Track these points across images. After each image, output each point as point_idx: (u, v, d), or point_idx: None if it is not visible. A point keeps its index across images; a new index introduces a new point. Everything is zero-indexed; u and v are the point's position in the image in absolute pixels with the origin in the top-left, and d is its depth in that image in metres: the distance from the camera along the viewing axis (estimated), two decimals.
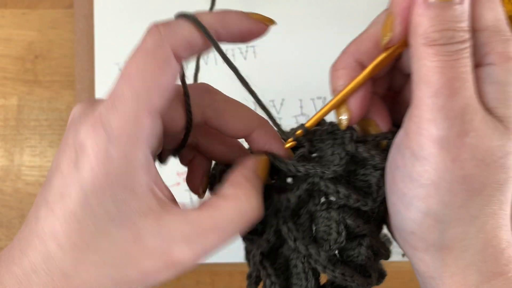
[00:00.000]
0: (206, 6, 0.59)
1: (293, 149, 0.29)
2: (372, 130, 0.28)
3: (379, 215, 0.28)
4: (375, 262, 0.28)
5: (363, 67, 0.26)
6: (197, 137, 0.30)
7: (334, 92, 0.27)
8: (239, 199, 0.25)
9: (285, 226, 0.27)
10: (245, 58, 0.58)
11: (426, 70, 0.22)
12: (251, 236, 0.29)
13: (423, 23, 0.22)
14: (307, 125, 0.28)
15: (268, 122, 0.29)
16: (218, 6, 0.59)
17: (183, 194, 0.59)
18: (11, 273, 0.23)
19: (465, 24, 0.22)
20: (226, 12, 0.26)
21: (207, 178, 0.31)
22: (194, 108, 0.27)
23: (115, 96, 0.23)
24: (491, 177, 0.23)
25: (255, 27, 0.27)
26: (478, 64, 0.23)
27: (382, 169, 0.27)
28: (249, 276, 0.30)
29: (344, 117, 0.27)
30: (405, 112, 0.25)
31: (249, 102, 0.28)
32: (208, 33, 0.24)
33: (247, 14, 0.27)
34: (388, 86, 0.30)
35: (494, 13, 0.23)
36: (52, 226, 0.22)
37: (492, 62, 0.23)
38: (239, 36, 0.26)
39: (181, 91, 0.27)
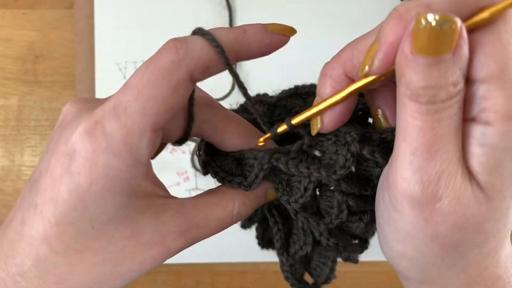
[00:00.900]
0: (207, 5, 0.59)
1: (288, 139, 0.29)
2: (380, 120, 0.27)
3: None
4: (370, 233, 0.30)
5: (350, 81, 0.24)
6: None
7: (317, 96, 0.26)
8: (232, 203, 0.27)
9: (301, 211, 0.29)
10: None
11: (406, 125, 0.21)
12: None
13: (407, 74, 0.20)
14: (294, 122, 0.27)
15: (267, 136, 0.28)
16: (216, 4, 0.59)
17: (183, 194, 0.59)
18: None
19: (455, 78, 0.20)
20: (245, 29, 0.25)
21: (162, 145, 0.30)
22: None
23: (119, 105, 0.22)
24: (466, 239, 0.22)
25: (275, 40, 0.26)
26: (471, 119, 0.21)
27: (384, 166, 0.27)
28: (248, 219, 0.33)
29: (316, 126, 0.26)
30: None
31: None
32: (226, 58, 0.24)
33: (266, 28, 0.25)
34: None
35: (499, 63, 0.20)
36: (42, 229, 0.22)
37: (488, 122, 0.20)
38: (258, 53, 0.26)
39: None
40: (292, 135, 0.29)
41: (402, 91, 0.20)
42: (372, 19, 0.60)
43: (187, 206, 0.26)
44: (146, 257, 0.24)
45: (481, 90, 0.20)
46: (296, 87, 0.32)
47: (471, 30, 0.20)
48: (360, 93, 0.26)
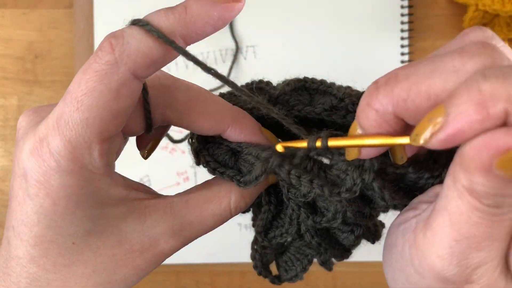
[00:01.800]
0: None
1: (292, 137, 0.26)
2: (398, 154, 0.25)
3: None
4: (356, 245, 0.29)
5: (400, 123, 0.20)
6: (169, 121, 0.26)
7: (359, 127, 0.21)
8: (227, 198, 0.26)
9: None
10: (245, 58, 0.58)
11: (458, 214, 0.18)
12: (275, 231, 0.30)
13: (477, 177, 0.17)
14: (330, 144, 0.22)
15: (245, 114, 0.26)
16: None
17: None
18: None
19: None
20: (186, 6, 0.21)
21: (155, 143, 0.28)
22: (153, 111, 0.24)
23: (60, 118, 0.21)
24: None
25: (226, 10, 0.22)
26: None
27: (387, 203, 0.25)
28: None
29: (352, 155, 0.23)
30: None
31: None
32: (171, 42, 0.20)
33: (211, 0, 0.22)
34: None
35: None
36: (26, 251, 0.22)
37: None
38: (209, 29, 0.22)
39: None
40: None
41: (462, 181, 0.18)
42: (373, 16, 0.60)
43: (176, 204, 0.25)
44: (140, 262, 0.24)
45: None
46: (305, 80, 0.28)
47: None
48: None
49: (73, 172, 0.21)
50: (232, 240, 0.58)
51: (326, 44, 0.58)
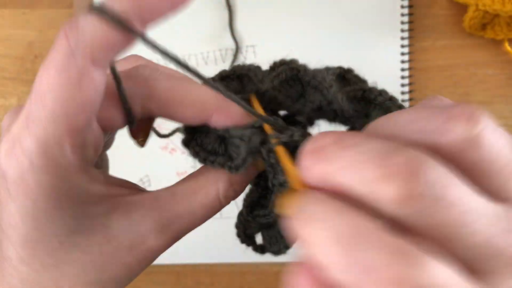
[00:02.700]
0: (207, 5, 0.59)
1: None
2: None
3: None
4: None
5: None
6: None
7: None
8: (215, 187, 0.25)
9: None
10: (245, 58, 0.58)
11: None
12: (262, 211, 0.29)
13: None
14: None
15: (229, 101, 0.24)
16: (216, 3, 0.59)
17: None
18: None
19: None
20: None
21: (145, 132, 0.27)
22: (132, 103, 0.23)
23: (28, 116, 0.20)
24: None
25: None
26: None
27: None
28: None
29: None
30: None
31: None
32: (125, 26, 0.19)
33: None
34: None
35: None
36: (15, 252, 0.22)
37: None
38: (169, 8, 0.20)
39: (112, 87, 0.23)
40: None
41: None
42: (373, 16, 0.60)
43: (163, 198, 0.24)
44: (130, 259, 0.23)
45: None
46: (298, 69, 0.27)
47: None
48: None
49: (47, 170, 0.20)
50: (232, 240, 0.57)
51: (326, 43, 0.58)
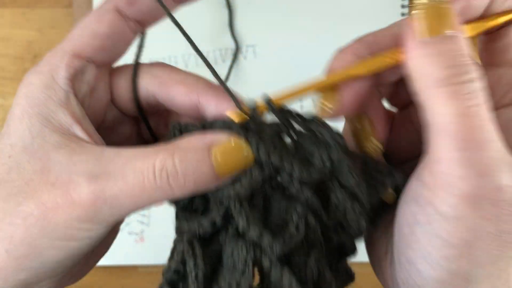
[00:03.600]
0: (207, 5, 0.59)
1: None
2: (365, 130, 0.24)
3: (336, 239, 0.24)
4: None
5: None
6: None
7: (330, 72, 0.24)
8: (155, 154, 0.22)
9: (237, 203, 0.22)
10: (245, 58, 0.58)
11: (442, 119, 0.19)
12: (188, 213, 0.24)
13: (426, 64, 0.19)
14: (277, 100, 0.23)
15: (219, 87, 0.26)
16: (216, 3, 0.59)
17: None
18: None
19: (469, 59, 0.19)
20: None
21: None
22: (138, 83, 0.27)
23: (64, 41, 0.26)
24: None
25: None
26: (503, 105, 0.21)
27: (350, 192, 0.23)
28: (167, 269, 0.24)
29: (329, 105, 0.23)
30: (407, 136, 0.24)
31: None
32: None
33: None
34: (390, 97, 0.28)
35: None
36: None
37: None
38: None
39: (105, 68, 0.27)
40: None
41: (426, 85, 0.20)
42: (373, 16, 0.60)
43: (108, 152, 0.23)
44: (47, 198, 0.22)
45: (507, 74, 0.20)
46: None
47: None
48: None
49: (41, 72, 0.24)
50: None
51: (326, 43, 0.58)
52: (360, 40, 0.25)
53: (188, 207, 0.24)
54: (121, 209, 0.22)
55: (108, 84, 0.27)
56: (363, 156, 0.24)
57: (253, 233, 0.22)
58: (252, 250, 0.22)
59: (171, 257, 0.24)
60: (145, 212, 0.57)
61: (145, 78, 0.27)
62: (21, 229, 0.22)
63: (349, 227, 0.24)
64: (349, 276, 0.25)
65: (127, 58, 0.28)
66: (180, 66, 0.59)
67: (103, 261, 0.29)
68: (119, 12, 0.25)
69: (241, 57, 0.59)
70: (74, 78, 0.24)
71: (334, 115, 0.24)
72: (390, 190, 0.24)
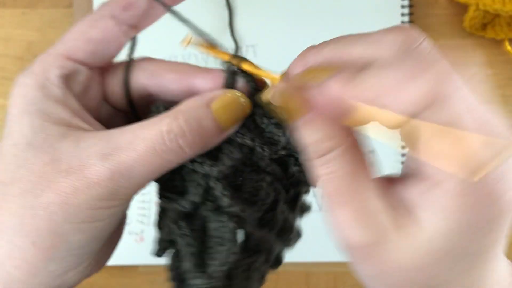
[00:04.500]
0: (206, 4, 0.59)
1: None
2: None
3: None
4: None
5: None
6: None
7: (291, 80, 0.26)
8: (159, 121, 0.24)
9: (219, 183, 0.25)
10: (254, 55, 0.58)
11: (324, 188, 0.22)
12: (169, 194, 0.27)
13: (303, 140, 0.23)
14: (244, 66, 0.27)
15: (209, 68, 0.28)
16: (215, 3, 0.59)
17: None
18: None
19: (320, 135, 0.22)
20: None
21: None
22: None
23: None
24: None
25: None
26: (407, 177, 0.22)
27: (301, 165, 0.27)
28: (159, 242, 0.28)
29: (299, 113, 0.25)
30: None
31: None
32: None
33: None
34: None
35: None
36: None
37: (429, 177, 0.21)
38: None
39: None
40: None
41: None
42: (373, 16, 0.60)
43: (113, 132, 0.24)
44: (64, 185, 0.22)
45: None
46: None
47: None
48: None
49: (34, 73, 0.25)
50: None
51: None
52: (319, 50, 0.27)
53: (170, 187, 0.27)
54: (138, 179, 0.23)
55: (100, 83, 0.28)
56: None
57: (236, 208, 0.25)
58: (235, 222, 0.25)
59: (159, 229, 0.28)
60: (145, 212, 0.57)
61: (136, 72, 0.27)
62: (45, 219, 0.22)
63: (302, 182, 0.29)
64: (305, 208, 0.31)
65: (121, 58, 0.28)
66: None
67: None
68: (113, 17, 0.26)
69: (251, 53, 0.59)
70: (67, 78, 0.25)
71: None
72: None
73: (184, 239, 0.25)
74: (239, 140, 0.26)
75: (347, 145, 0.22)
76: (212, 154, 0.25)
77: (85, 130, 0.24)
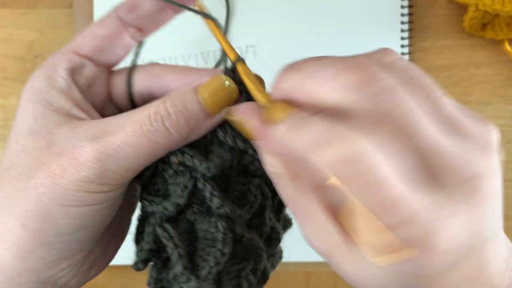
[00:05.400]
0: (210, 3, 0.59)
1: None
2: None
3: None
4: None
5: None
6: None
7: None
8: (148, 106, 0.24)
9: (208, 184, 0.25)
10: (245, 58, 0.58)
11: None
12: (151, 197, 0.26)
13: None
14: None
15: (210, 69, 0.29)
16: (215, 3, 0.59)
17: None
18: None
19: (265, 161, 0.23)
20: None
21: None
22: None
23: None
24: None
25: None
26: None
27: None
28: (140, 252, 0.27)
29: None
30: None
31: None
32: None
33: None
34: None
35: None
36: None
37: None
38: None
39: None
40: None
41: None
42: (373, 16, 0.60)
43: (106, 118, 0.25)
44: (55, 166, 0.23)
45: None
46: None
47: None
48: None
49: (44, 66, 0.26)
50: None
51: (326, 44, 0.58)
52: (286, 79, 0.26)
53: (152, 191, 0.27)
54: (126, 161, 0.23)
55: (106, 82, 0.29)
56: None
57: (226, 209, 0.25)
58: (226, 222, 0.25)
59: (140, 239, 0.27)
60: None
61: (139, 74, 0.28)
62: (34, 200, 0.23)
63: None
64: (288, 221, 0.30)
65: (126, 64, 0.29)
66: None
67: None
68: (119, 18, 0.27)
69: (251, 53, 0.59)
70: (74, 71, 0.26)
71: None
72: None
73: (171, 241, 0.25)
74: (230, 142, 0.26)
75: (291, 175, 0.22)
76: (203, 155, 0.26)
77: (83, 119, 0.25)
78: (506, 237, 0.22)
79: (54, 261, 0.24)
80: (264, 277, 0.28)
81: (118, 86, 0.29)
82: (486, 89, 0.57)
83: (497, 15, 0.54)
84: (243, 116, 0.23)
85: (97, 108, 0.28)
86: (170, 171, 0.26)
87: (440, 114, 0.20)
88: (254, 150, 0.26)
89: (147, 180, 0.27)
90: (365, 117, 0.19)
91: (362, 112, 0.19)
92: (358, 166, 0.18)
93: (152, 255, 0.27)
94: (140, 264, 0.27)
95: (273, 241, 0.28)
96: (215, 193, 0.25)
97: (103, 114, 0.28)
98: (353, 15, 0.58)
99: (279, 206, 0.29)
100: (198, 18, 0.29)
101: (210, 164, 0.25)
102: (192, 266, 0.25)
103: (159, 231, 0.25)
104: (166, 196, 0.26)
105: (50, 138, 0.24)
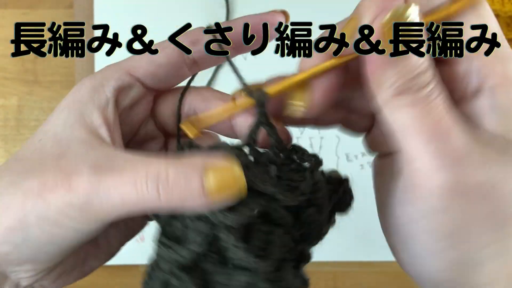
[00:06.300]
0: (206, 4, 0.59)
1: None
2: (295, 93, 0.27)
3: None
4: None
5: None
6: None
7: (300, 70, 0.27)
8: (161, 161, 0.22)
9: (232, 235, 0.23)
10: (245, 58, 0.58)
11: (407, 121, 0.22)
12: (167, 240, 0.24)
13: (385, 79, 0.22)
14: (270, 91, 0.27)
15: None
16: (214, 3, 0.59)
17: None
18: None
19: (425, 67, 0.22)
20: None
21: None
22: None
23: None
24: (510, 208, 0.21)
25: None
26: (473, 93, 0.22)
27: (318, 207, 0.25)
28: None
29: (300, 104, 0.26)
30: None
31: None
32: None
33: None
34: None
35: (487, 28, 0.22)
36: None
37: (493, 86, 0.22)
38: None
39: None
40: None
41: (386, 95, 0.22)
42: None
43: (119, 152, 0.24)
44: (49, 179, 0.22)
45: (474, 62, 0.22)
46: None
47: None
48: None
49: (93, 78, 0.26)
50: None
51: None
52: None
53: (169, 234, 0.24)
54: (110, 207, 0.22)
55: (150, 102, 0.29)
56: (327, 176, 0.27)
57: (250, 264, 0.23)
58: (246, 276, 0.23)
59: (151, 284, 0.25)
60: None
61: (190, 95, 0.29)
62: (19, 201, 0.23)
63: (313, 235, 0.26)
64: (305, 281, 0.26)
65: None
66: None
67: None
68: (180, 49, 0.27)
69: (241, 57, 0.59)
70: (121, 90, 0.26)
71: (307, 113, 0.26)
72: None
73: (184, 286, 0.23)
74: (260, 187, 0.23)
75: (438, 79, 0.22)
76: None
77: (104, 142, 0.25)
78: None
79: (17, 260, 0.24)
80: None
81: (168, 101, 0.29)
82: None
83: (496, 15, 0.54)
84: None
85: (133, 126, 0.28)
86: (192, 216, 0.23)
87: None
88: (284, 195, 0.23)
89: (166, 221, 0.24)
90: None
91: None
92: None
93: None
94: None
95: None
96: (239, 244, 0.22)
97: (138, 133, 0.29)
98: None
99: (298, 263, 0.26)
100: (196, 17, 0.29)
101: (238, 217, 0.22)
102: None
103: (174, 281, 0.23)
104: (183, 242, 0.24)
105: (65, 150, 0.24)
